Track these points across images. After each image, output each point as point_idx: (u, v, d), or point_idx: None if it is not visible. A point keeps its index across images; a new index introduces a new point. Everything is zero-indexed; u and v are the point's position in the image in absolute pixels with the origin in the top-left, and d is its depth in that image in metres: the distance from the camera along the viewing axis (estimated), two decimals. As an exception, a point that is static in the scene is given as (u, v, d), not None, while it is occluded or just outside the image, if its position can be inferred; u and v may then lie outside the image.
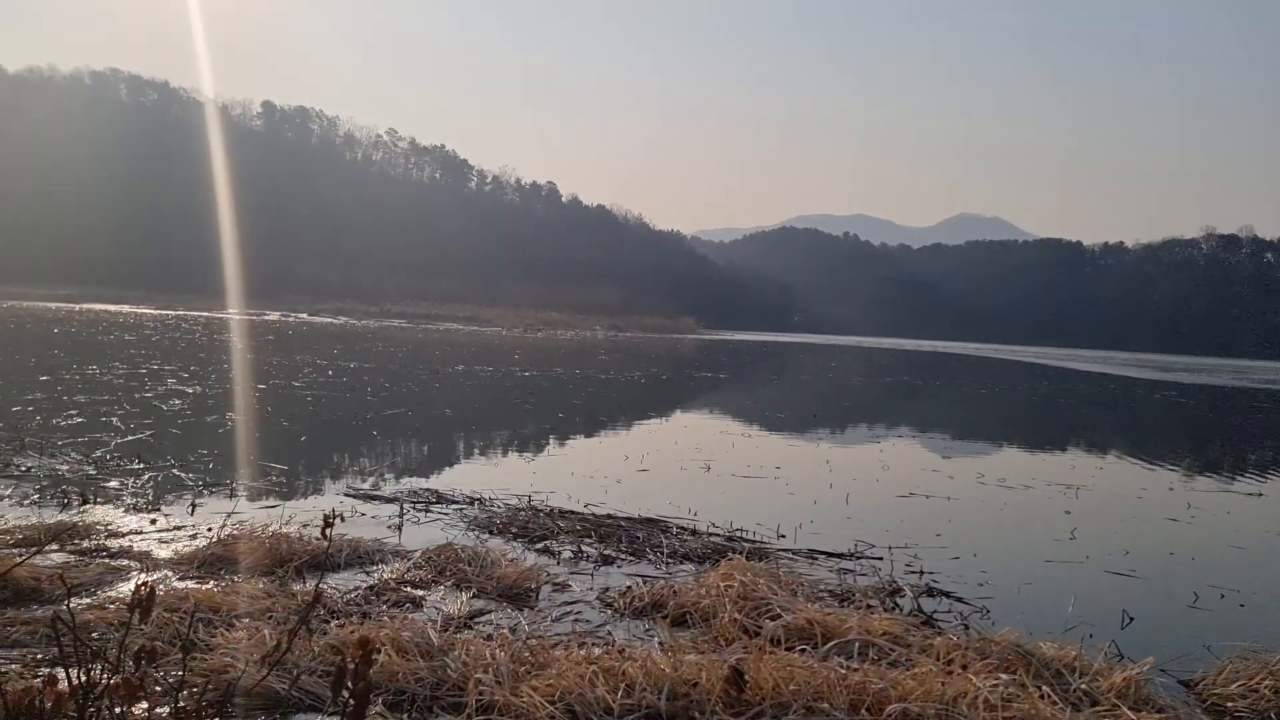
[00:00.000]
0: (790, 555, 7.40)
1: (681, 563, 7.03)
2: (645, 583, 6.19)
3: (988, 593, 6.67)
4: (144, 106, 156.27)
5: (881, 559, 7.45)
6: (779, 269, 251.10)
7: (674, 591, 5.83)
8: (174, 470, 9.48)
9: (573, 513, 8.42)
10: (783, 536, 8.08)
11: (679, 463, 12.23)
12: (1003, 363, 70.00)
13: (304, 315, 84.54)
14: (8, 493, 7.98)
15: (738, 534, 8.06)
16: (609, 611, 5.73)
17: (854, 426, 19.77)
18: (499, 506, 8.62)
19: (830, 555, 7.49)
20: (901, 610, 5.92)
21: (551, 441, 13.98)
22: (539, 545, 7.28)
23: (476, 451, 12.99)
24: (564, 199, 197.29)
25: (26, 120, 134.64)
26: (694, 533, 7.98)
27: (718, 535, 7.97)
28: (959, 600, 6.43)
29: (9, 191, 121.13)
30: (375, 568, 6.29)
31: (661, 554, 7.19)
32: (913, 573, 7.07)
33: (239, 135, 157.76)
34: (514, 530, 7.67)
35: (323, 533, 2.03)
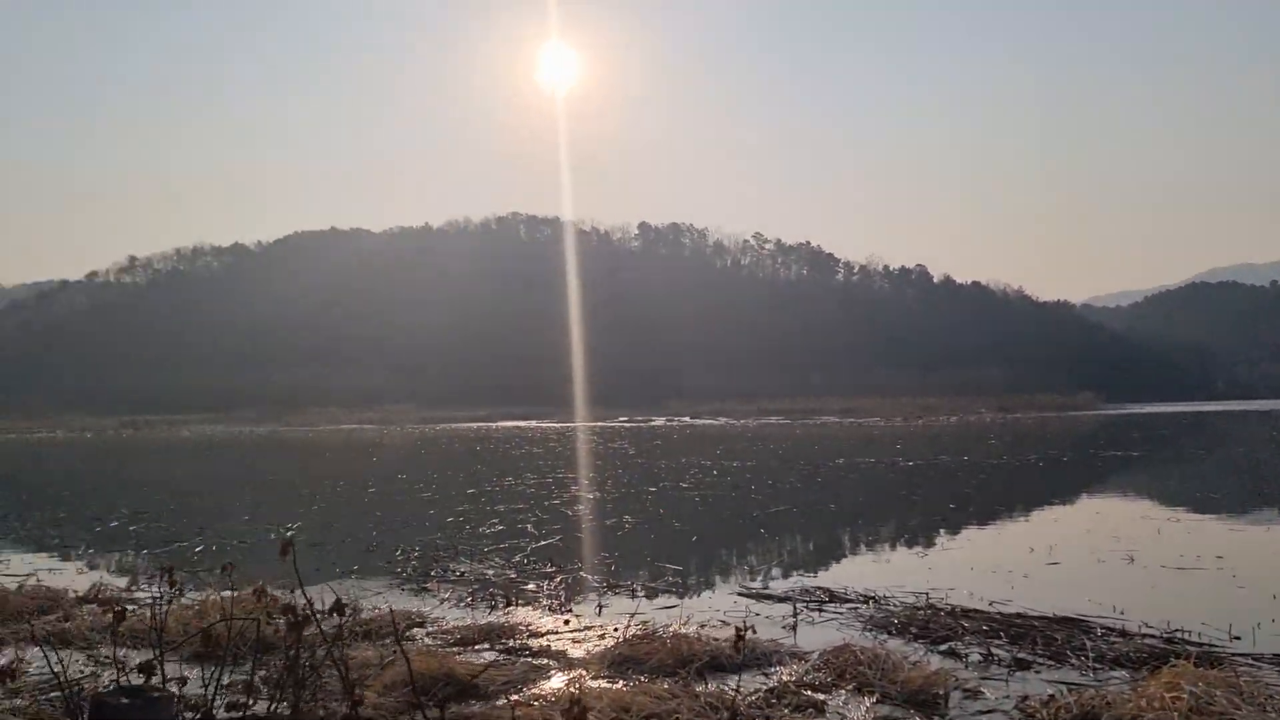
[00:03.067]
0: (1252, 662, 6.28)
1: (1112, 669, 6.21)
2: (1071, 691, 5.53)
3: None
4: (539, 241, 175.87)
5: (1378, 668, 6.09)
6: (1191, 330, 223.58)
7: (1108, 703, 5.14)
8: (581, 573, 10.12)
9: (977, 611, 7.82)
10: (1237, 639, 6.91)
11: (1095, 554, 11.01)
12: None
13: (686, 419, 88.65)
14: (447, 596, 8.94)
15: (1178, 635, 7.01)
16: (1031, 723, 5.16)
17: (1312, 505, 16.76)
18: (895, 605, 8.23)
19: (1305, 662, 6.25)
20: None
21: (943, 534, 13.23)
22: (942, 647, 6.80)
23: (864, 547, 12.61)
24: (935, 280, 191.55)
25: (444, 263, 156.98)
26: (1123, 634, 7.06)
27: (1153, 637, 6.98)
28: None
29: (432, 325, 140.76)
30: (773, 669, 6.20)
31: (1086, 658, 6.41)
32: None
33: (619, 256, 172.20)
34: (913, 630, 7.25)
35: (735, 646, 1.98)
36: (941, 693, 5.61)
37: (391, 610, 7.17)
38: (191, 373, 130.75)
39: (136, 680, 1.54)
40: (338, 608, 2.12)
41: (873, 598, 8.56)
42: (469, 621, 7.59)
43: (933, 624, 7.36)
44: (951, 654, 6.63)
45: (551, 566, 10.43)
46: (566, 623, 7.65)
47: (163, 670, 1.95)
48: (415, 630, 7.44)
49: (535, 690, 5.68)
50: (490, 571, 10.21)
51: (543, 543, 12.33)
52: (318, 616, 2.14)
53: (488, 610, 8.25)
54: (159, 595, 10.05)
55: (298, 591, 2.16)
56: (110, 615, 8.94)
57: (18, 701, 5.32)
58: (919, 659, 6.34)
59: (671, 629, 6.86)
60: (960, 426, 61.99)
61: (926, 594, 8.56)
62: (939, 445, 38.21)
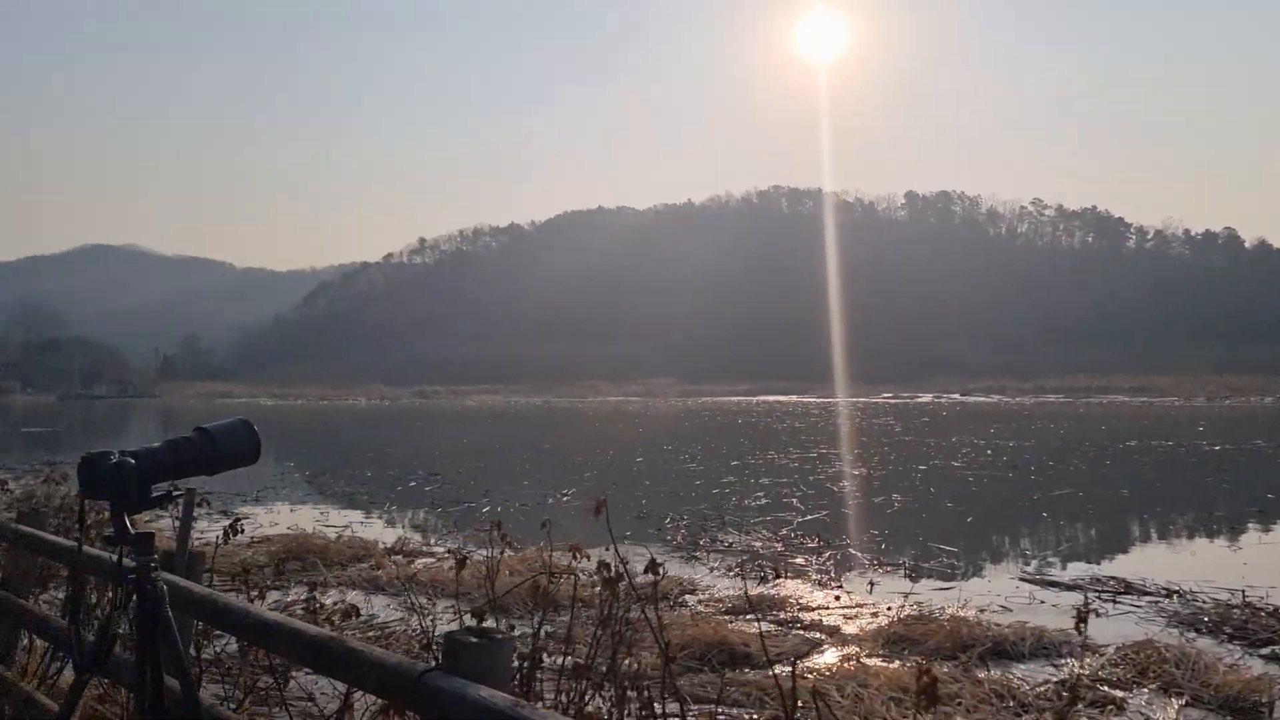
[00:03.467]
0: None
1: None
2: None
3: None
4: (801, 214, 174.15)
5: None
6: None
7: None
8: (850, 549, 9.97)
9: (1306, 614, 6.95)
10: None
11: None
12: None
13: (955, 395, 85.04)
14: (716, 565, 9.10)
15: None
16: (1381, 745, 4.53)
17: None
18: (1204, 601, 7.48)
19: None
20: None
21: (1259, 526, 11.88)
22: (1264, 650, 6.11)
23: (1162, 536, 11.57)
24: (1247, 244, 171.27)
25: (706, 239, 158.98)
26: None
27: None
28: None
29: (694, 300, 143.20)
30: (1063, 660, 5.82)
31: None
32: None
33: (884, 227, 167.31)
34: (1228, 630, 6.56)
35: (1076, 627, 1.87)
36: (1264, 700, 5.04)
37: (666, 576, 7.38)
38: (472, 346, 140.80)
39: (468, 624, 1.69)
40: (652, 566, 2.20)
41: (1176, 591, 7.84)
42: (738, 591, 7.68)
43: (1251, 625, 6.63)
44: (1276, 659, 5.94)
45: (819, 541, 10.34)
46: (837, 598, 7.56)
47: (496, 617, 2.12)
48: (687, 597, 7.62)
49: (809, 663, 5.65)
50: (758, 543, 10.28)
51: (809, 517, 12.26)
52: (629, 574, 2.23)
53: (756, 581, 8.29)
54: (484, 550, 10.97)
55: (609, 550, 2.26)
56: (412, 565, 9.80)
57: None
58: (1235, 662, 5.73)
59: (948, 612, 6.60)
60: (1277, 408, 55.38)
61: (1243, 591, 7.71)
62: (1251, 428, 34.33)
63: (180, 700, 1.91)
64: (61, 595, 4.41)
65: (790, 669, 5.44)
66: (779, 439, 29.23)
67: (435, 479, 18.99)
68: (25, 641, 3.85)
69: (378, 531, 12.39)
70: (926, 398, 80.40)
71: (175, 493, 1.91)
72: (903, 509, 13.29)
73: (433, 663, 1.59)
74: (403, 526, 13.25)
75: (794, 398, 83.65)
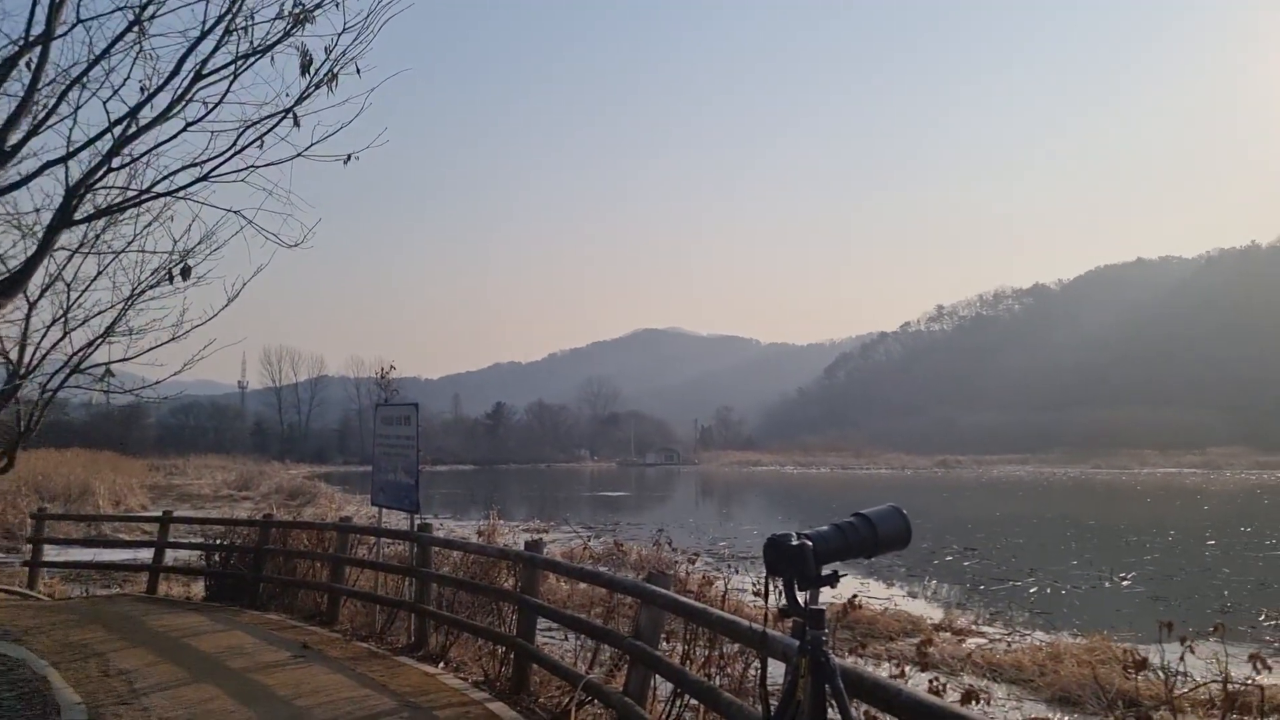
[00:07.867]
0: None
1: None
2: None
3: None
4: None
5: None
6: None
7: None
8: None
9: None
10: None
11: None
12: None
13: None
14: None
15: None
16: None
17: None
18: None
19: None
20: None
21: None
22: None
23: None
24: None
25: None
26: None
27: None
28: None
29: (1268, 357, 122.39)
30: None
31: None
32: None
33: None
34: None
35: None
36: None
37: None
38: (996, 414, 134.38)
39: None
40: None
41: None
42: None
43: None
44: None
45: None
46: None
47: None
48: (1306, 713, 6.43)
49: None
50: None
51: None
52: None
53: None
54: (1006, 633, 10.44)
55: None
56: (963, 643, 9.50)
57: None
58: None
59: None
60: None
61: None
62: None
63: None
64: (674, 646, 4.98)
65: None
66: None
67: (972, 554, 18.40)
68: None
69: (920, 606, 12.28)
70: None
71: (840, 574, 2.09)
72: None
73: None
74: (944, 603, 12.97)
75: None
